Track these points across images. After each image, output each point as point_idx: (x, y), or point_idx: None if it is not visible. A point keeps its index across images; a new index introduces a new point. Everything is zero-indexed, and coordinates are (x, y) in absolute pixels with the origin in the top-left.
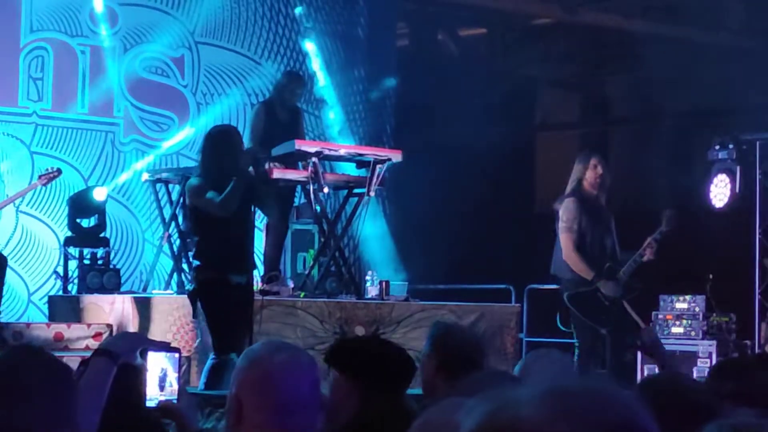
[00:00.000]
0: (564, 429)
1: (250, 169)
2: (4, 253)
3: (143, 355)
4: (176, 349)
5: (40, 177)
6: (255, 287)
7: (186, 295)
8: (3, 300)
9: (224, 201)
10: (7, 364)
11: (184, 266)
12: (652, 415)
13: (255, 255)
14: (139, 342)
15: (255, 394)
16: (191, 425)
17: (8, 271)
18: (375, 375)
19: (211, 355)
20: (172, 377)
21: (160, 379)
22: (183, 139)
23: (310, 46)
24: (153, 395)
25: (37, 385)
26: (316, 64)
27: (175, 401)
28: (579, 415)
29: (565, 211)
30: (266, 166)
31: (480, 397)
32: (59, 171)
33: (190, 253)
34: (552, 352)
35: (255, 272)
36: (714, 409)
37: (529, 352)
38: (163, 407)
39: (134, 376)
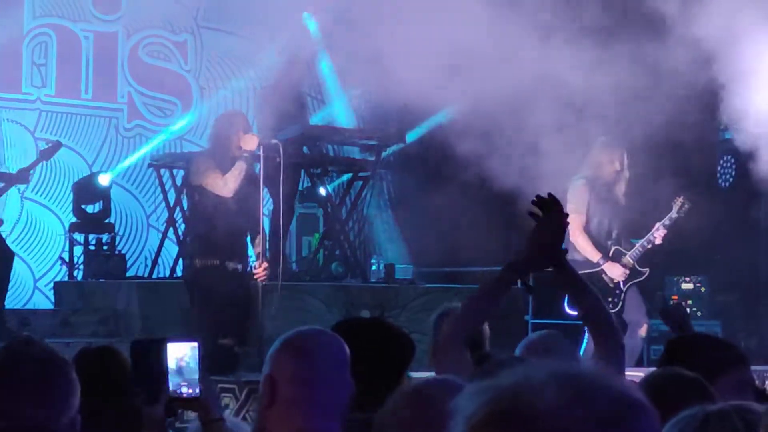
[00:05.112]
0: (573, 411)
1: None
2: (10, 241)
3: (162, 346)
4: (195, 339)
5: (41, 152)
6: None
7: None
8: (9, 286)
9: (226, 179)
10: (4, 355)
11: None
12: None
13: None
14: None
15: (288, 369)
16: (214, 413)
17: (14, 258)
18: (375, 358)
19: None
20: (194, 366)
21: (181, 368)
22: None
23: (313, 29)
24: (175, 384)
25: (34, 378)
26: (319, 48)
27: (197, 390)
28: (585, 396)
29: (574, 193)
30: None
31: (484, 381)
32: (59, 143)
33: (188, 239)
34: (553, 334)
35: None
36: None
37: (531, 335)
38: (185, 399)
39: (154, 367)
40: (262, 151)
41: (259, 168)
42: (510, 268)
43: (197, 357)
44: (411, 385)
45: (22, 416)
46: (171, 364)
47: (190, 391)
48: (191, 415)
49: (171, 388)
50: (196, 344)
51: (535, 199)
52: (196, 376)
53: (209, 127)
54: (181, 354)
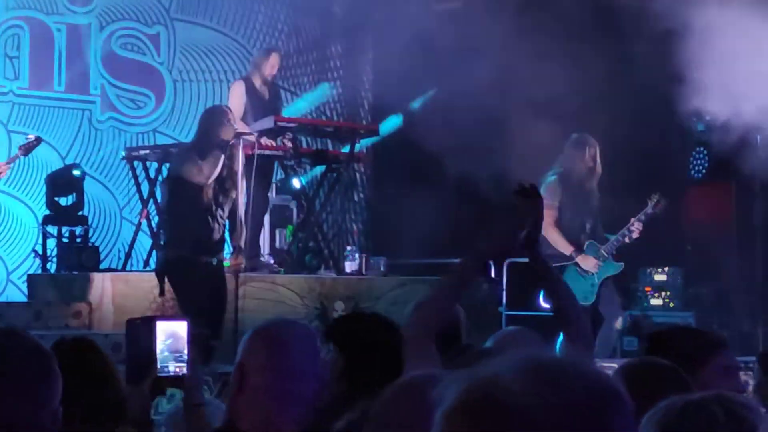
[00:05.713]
0: (549, 399)
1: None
2: None
3: (152, 324)
4: (185, 318)
5: (20, 147)
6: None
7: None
8: None
9: (201, 167)
10: None
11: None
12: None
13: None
14: None
15: (260, 357)
16: (197, 397)
17: None
18: (373, 360)
19: None
20: (184, 346)
21: (170, 347)
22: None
23: (286, 22)
24: (163, 363)
25: (17, 370)
26: (291, 40)
27: (185, 369)
28: (560, 384)
29: (546, 188)
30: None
31: (457, 372)
32: (38, 139)
33: (161, 231)
34: (523, 330)
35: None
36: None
37: (502, 330)
38: (172, 378)
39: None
40: (238, 142)
41: (237, 161)
42: (475, 255)
43: (186, 336)
44: (405, 378)
45: (8, 411)
46: (160, 342)
47: (178, 370)
48: (165, 406)
49: (159, 366)
50: (185, 323)
51: (517, 187)
52: (185, 356)
53: (183, 118)
54: (170, 333)
